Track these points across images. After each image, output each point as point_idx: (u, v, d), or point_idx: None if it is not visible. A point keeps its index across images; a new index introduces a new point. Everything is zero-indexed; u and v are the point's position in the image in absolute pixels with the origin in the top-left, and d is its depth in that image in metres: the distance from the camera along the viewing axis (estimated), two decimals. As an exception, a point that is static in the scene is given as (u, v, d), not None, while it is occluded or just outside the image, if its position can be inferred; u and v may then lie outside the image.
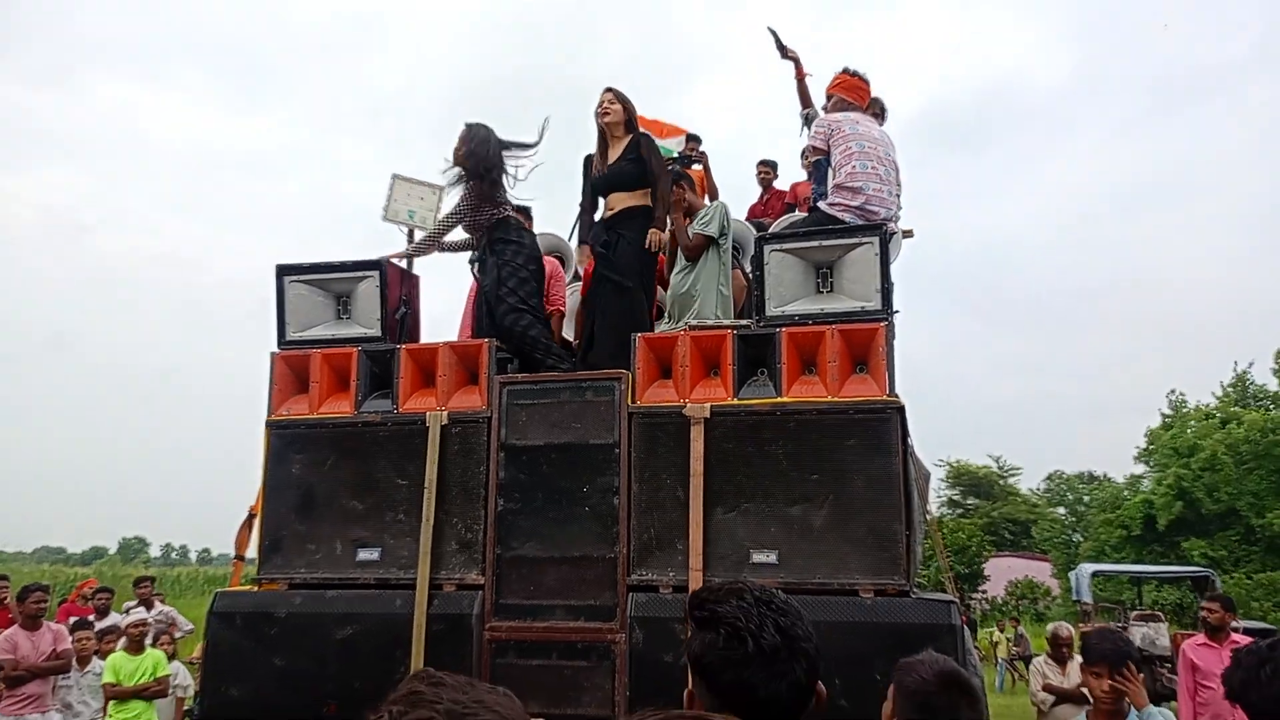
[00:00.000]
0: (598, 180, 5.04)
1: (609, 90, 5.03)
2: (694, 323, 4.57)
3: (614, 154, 5.00)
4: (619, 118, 4.98)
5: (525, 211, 5.64)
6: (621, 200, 4.94)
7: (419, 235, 5.48)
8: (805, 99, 5.87)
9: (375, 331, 4.47)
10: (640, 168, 4.94)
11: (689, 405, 3.90)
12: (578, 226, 5.21)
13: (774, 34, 5.95)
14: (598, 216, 5.06)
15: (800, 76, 5.88)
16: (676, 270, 4.93)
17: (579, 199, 5.21)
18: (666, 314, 5.01)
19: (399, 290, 4.63)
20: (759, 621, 1.53)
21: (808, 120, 5.80)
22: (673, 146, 6.93)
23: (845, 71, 5.31)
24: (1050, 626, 6.90)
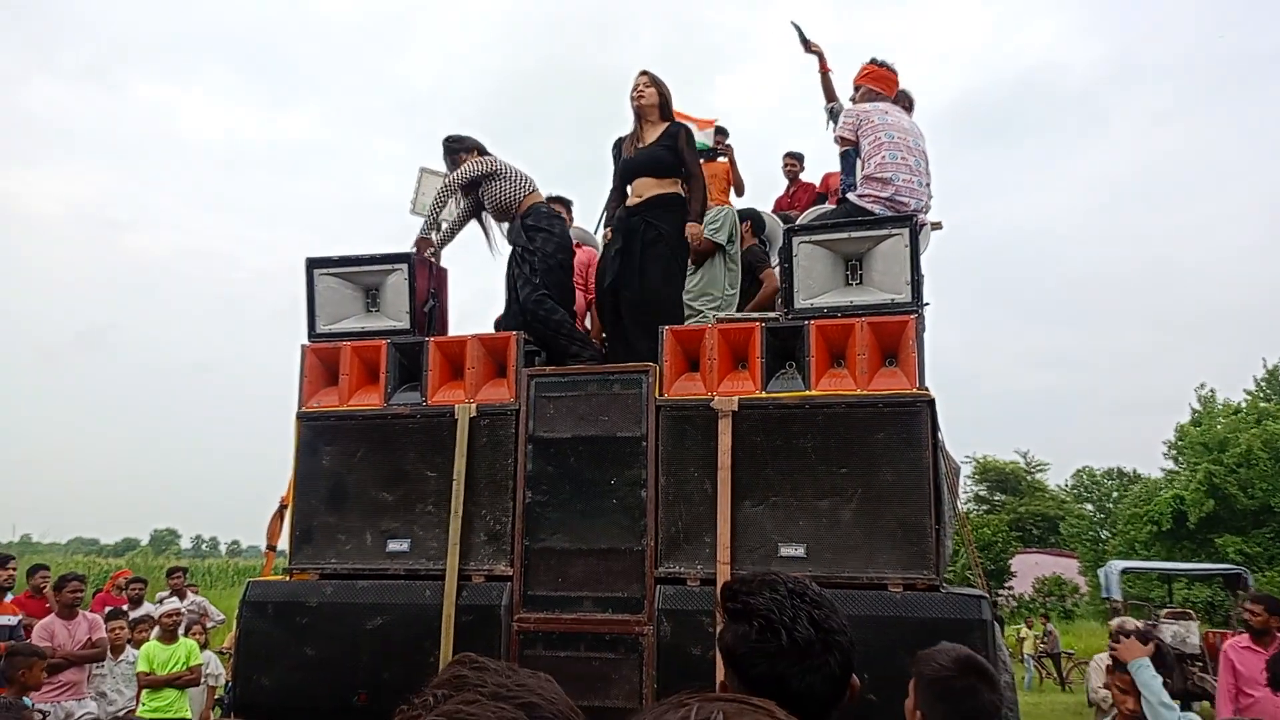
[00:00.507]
0: (627, 162, 4.91)
1: (644, 74, 4.93)
2: (722, 316, 4.56)
3: (648, 138, 4.89)
4: (653, 101, 4.88)
5: (566, 204, 5.64)
6: (650, 187, 4.80)
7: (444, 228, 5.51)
8: (830, 93, 5.83)
9: (404, 324, 4.49)
10: (675, 156, 4.81)
11: (717, 398, 3.90)
12: (605, 212, 5.15)
13: (798, 28, 5.92)
14: (628, 203, 4.90)
15: (824, 71, 5.85)
16: (688, 270, 4.96)
17: (610, 184, 5.09)
18: None
19: (427, 283, 4.66)
20: (793, 614, 1.52)
21: (833, 114, 5.76)
22: (704, 139, 6.90)
23: (873, 62, 5.27)
24: (1114, 622, 6.62)
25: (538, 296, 4.60)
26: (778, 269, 4.72)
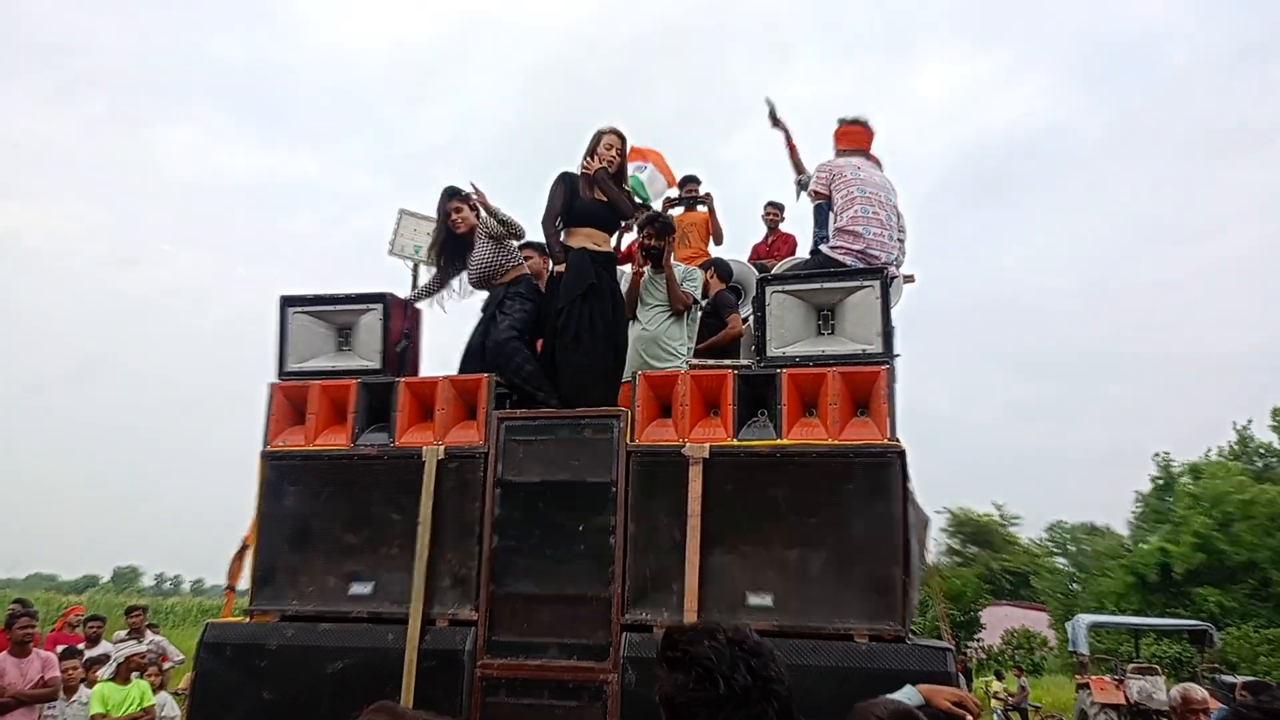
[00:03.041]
0: (592, 207, 4.95)
1: (616, 134, 5.00)
2: (695, 362, 4.60)
3: (602, 193, 4.96)
4: (617, 167, 5.01)
5: (538, 248, 5.65)
6: (606, 241, 4.95)
7: (424, 271, 5.51)
8: (798, 166, 5.94)
9: (375, 364, 4.46)
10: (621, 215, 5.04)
11: (688, 445, 3.89)
12: (546, 241, 5.13)
13: (770, 105, 6.00)
14: (575, 243, 4.91)
15: (791, 146, 5.95)
16: (663, 320, 5.13)
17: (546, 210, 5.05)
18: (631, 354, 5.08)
19: (401, 323, 4.64)
20: (731, 663, 1.53)
21: (803, 185, 5.89)
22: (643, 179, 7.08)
23: (841, 122, 5.39)
24: (1178, 689, 5.79)
25: (515, 345, 4.63)
26: (751, 317, 4.77)
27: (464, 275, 5.07)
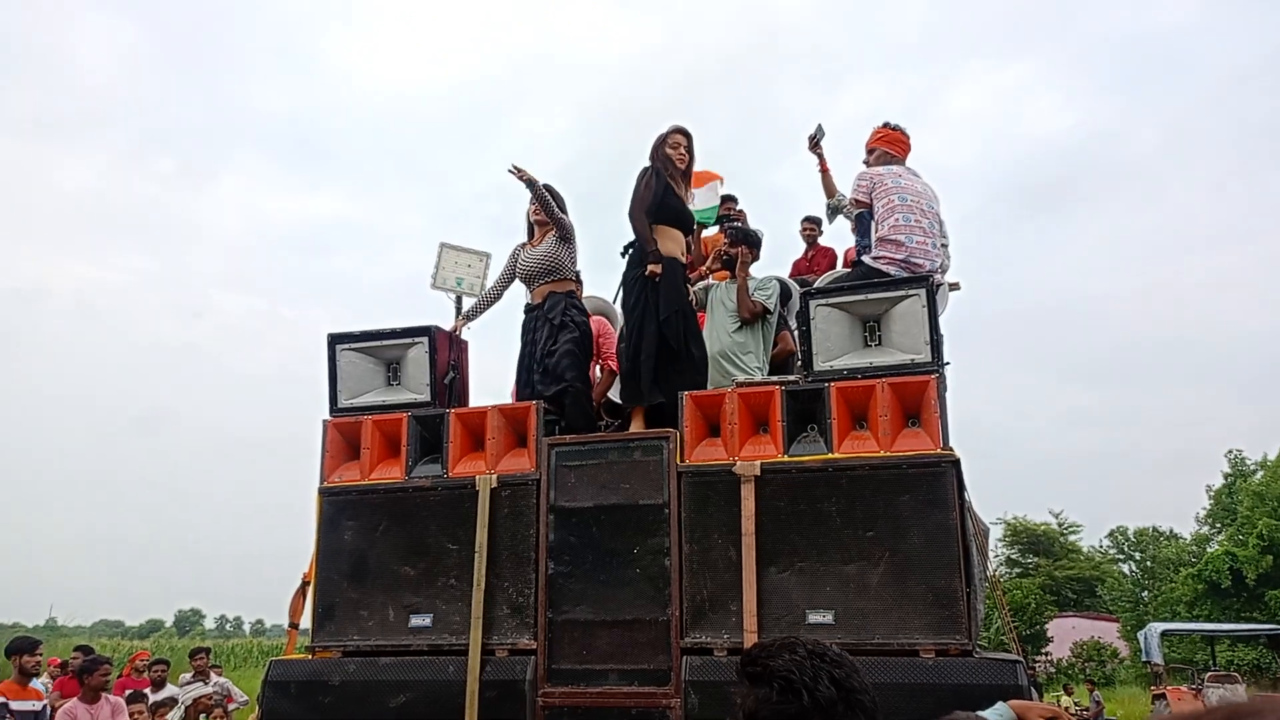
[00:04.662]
0: (682, 209, 4.97)
1: (685, 134, 5.00)
2: (742, 379, 4.57)
3: (684, 196, 5.02)
4: (688, 165, 5.04)
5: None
6: (683, 246, 4.97)
7: (467, 303, 5.57)
8: (830, 190, 5.92)
9: (425, 397, 4.51)
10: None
11: (739, 463, 3.87)
12: (637, 232, 4.90)
13: (820, 131, 5.95)
14: (664, 246, 4.80)
15: (824, 170, 5.94)
16: (733, 330, 5.12)
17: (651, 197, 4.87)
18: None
19: (448, 355, 4.69)
20: (813, 674, 1.51)
21: (836, 210, 5.86)
22: (710, 201, 7.06)
23: (885, 125, 5.34)
24: None
25: (568, 361, 4.68)
26: (795, 332, 4.74)
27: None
